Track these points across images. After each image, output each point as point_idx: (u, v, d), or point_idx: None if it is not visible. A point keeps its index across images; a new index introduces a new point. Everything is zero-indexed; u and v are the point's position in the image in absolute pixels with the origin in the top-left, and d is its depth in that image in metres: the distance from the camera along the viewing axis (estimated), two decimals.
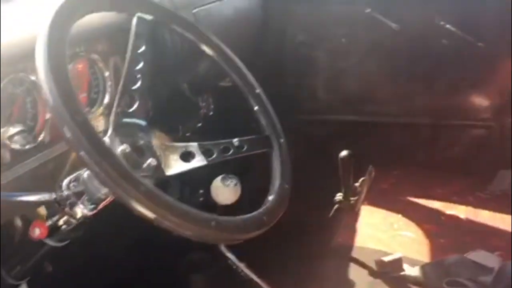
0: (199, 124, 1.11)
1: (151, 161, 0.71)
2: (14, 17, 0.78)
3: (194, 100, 1.12)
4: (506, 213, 1.19)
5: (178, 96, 1.05)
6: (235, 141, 0.79)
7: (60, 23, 0.61)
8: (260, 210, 0.68)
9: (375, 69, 1.55)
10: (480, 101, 1.51)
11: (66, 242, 0.83)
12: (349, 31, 1.52)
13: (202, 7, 1.15)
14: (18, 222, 0.81)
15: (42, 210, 0.76)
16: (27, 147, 0.72)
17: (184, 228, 0.57)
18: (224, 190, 0.85)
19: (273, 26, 1.55)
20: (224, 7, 1.27)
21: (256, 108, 0.83)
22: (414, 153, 1.57)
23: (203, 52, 0.87)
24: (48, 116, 0.75)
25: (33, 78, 0.72)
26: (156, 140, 0.79)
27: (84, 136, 0.54)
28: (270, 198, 0.71)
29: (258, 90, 0.85)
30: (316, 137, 1.68)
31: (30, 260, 0.85)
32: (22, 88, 0.72)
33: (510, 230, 1.13)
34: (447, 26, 1.42)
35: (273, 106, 0.86)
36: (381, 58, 1.53)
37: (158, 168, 0.73)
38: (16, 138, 0.69)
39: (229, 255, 1.08)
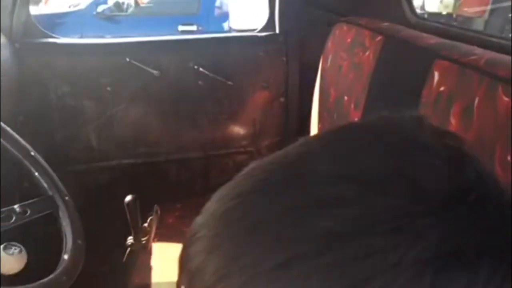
0: None
1: None
2: None
3: None
4: None
5: None
6: (16, 207, 0.77)
7: None
8: (58, 271, 0.68)
9: (143, 113, 1.64)
10: (238, 130, 1.74)
11: None
12: (113, 79, 1.58)
13: None
14: None
15: None
16: None
17: None
18: (9, 259, 0.81)
19: (33, 80, 1.50)
20: None
21: (34, 171, 0.82)
22: (192, 184, 1.72)
23: None
24: None
25: None
26: None
27: None
28: (66, 256, 0.72)
29: (32, 153, 0.84)
30: (96, 186, 1.67)
31: None
32: None
33: None
34: (201, 69, 1.61)
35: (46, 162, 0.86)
36: (147, 102, 1.63)
37: None
38: None
39: None
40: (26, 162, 0.82)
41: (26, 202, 0.77)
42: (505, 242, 0.27)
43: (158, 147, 1.67)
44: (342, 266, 0.25)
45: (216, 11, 5.40)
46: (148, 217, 1.18)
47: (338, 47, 1.33)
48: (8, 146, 0.81)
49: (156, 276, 1.21)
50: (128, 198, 1.10)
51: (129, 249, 1.14)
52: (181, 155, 1.72)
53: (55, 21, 4.74)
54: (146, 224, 1.15)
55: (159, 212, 1.19)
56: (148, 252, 1.25)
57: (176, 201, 1.51)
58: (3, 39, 1.42)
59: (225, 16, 5.26)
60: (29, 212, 0.77)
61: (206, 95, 1.66)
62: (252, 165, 0.33)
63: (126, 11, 5.16)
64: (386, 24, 1.19)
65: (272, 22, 1.68)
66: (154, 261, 1.27)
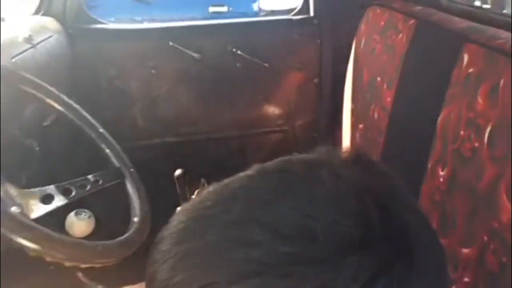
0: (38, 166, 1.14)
1: (14, 209, 0.77)
2: None
3: (28, 144, 1.14)
4: None
5: (12, 143, 1.07)
6: (90, 177, 0.88)
7: None
8: (130, 231, 0.79)
9: (185, 94, 1.75)
10: (273, 110, 1.83)
11: None
12: (157, 62, 1.69)
13: (19, 56, 1.18)
14: None
15: None
16: None
17: (75, 258, 0.66)
18: (80, 223, 0.93)
19: (84, 65, 1.62)
20: (38, 52, 1.31)
21: (103, 145, 0.94)
22: (230, 161, 1.82)
23: (29, 97, 0.93)
24: None
25: None
26: (11, 190, 0.83)
27: None
28: (136, 219, 0.83)
29: (101, 130, 0.95)
30: (141, 162, 1.79)
31: None
32: None
33: None
34: (239, 52, 1.70)
35: None
36: (188, 84, 1.73)
37: (22, 215, 0.79)
38: None
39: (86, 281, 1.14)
40: (96, 138, 0.93)
41: (98, 173, 0.88)
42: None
43: (198, 126, 1.78)
44: None
45: None
46: (195, 190, 1.29)
47: (372, 30, 1.39)
48: (81, 124, 0.92)
49: None
50: (178, 172, 1.21)
51: None
52: (220, 134, 1.82)
53: (90, 4, 4.87)
54: (193, 196, 1.26)
55: (206, 185, 1.30)
56: None
57: (216, 177, 1.61)
58: (57, 25, 1.54)
59: None
60: (101, 181, 0.88)
61: (243, 77, 1.75)
62: (207, 190, 0.40)
63: None
64: (418, 7, 1.25)
65: (306, 6, 1.75)
66: None
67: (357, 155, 0.41)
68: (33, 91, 0.91)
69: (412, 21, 1.18)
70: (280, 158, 0.42)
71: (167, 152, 1.75)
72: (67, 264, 0.67)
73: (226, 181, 0.40)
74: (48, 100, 0.92)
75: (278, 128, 1.83)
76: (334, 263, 0.33)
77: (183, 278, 0.35)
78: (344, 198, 0.36)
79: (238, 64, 1.71)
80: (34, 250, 0.63)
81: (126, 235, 0.78)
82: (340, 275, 0.33)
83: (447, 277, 0.40)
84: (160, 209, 1.35)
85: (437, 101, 0.97)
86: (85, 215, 0.93)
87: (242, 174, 0.41)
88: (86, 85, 1.64)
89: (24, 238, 0.62)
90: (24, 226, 0.64)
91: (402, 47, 1.19)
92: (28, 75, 0.91)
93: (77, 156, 1.13)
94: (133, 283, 1.23)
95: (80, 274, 1.13)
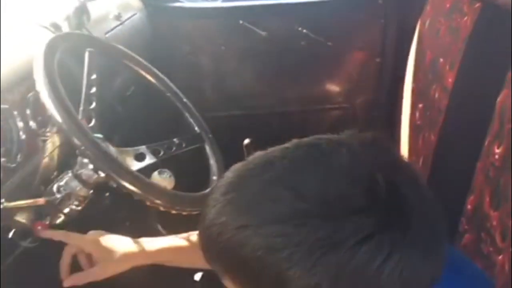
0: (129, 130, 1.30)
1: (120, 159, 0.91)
2: None
3: (118, 109, 1.30)
4: None
5: (106, 108, 1.22)
6: (175, 140, 1.02)
7: (49, 58, 0.78)
8: (211, 187, 0.92)
9: (251, 69, 1.85)
10: (335, 88, 1.91)
11: (36, 243, 0.97)
12: (226, 39, 1.80)
13: (111, 32, 1.33)
14: None
15: (20, 217, 0.91)
16: (12, 165, 0.86)
17: (169, 204, 0.79)
18: (163, 181, 1.07)
19: (161, 40, 1.76)
20: (125, 28, 1.45)
21: (186, 113, 1.06)
22: (291, 136, 1.92)
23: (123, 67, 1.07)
24: (23, 137, 0.89)
25: (5, 106, 0.86)
26: (110, 148, 0.98)
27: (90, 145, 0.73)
28: (214, 177, 0.96)
29: (184, 99, 1.08)
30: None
31: (5, 262, 0.97)
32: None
33: None
34: (304, 30, 1.77)
35: None
36: (255, 60, 1.84)
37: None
38: (3, 159, 0.83)
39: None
40: (181, 107, 1.06)
41: (182, 137, 1.01)
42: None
43: (262, 100, 1.89)
44: None
45: None
46: None
47: (437, 12, 1.43)
48: (170, 95, 1.05)
49: None
50: (246, 141, 1.32)
51: None
52: (282, 109, 1.92)
53: None
54: None
55: None
56: None
57: None
58: (139, 4, 1.69)
59: None
60: (184, 144, 1.01)
61: (307, 55, 1.82)
62: (254, 155, 0.54)
63: None
64: None
65: None
66: None
67: (375, 139, 0.51)
68: (129, 63, 1.04)
69: (477, 4, 1.21)
70: (315, 136, 0.54)
71: (232, 124, 1.87)
72: (162, 209, 0.80)
73: (269, 149, 0.53)
74: (141, 72, 1.05)
75: (338, 106, 1.90)
76: (340, 220, 0.44)
77: (225, 220, 0.48)
78: (357, 172, 0.48)
79: (302, 43, 1.79)
80: (138, 194, 0.76)
81: (207, 190, 0.90)
82: (343, 229, 0.44)
83: (442, 247, 0.50)
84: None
85: (497, 82, 1.02)
86: (167, 174, 1.07)
87: (282, 145, 0.53)
88: (162, 59, 1.77)
89: (131, 183, 0.76)
90: (131, 174, 0.77)
91: (466, 30, 1.23)
92: (124, 49, 1.05)
93: (163, 122, 1.27)
94: None
95: (159, 226, 1.28)
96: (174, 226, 1.48)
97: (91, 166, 0.87)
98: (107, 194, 1.30)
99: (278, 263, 0.45)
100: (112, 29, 1.33)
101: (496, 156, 0.99)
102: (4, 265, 0.99)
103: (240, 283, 0.51)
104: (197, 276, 1.56)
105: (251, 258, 0.46)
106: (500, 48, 1.07)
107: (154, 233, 1.46)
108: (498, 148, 0.99)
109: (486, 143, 1.04)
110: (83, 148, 0.73)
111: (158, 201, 0.78)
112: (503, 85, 1.00)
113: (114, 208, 1.37)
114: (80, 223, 0.98)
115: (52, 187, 0.88)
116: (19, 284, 1.06)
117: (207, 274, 1.53)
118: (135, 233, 1.56)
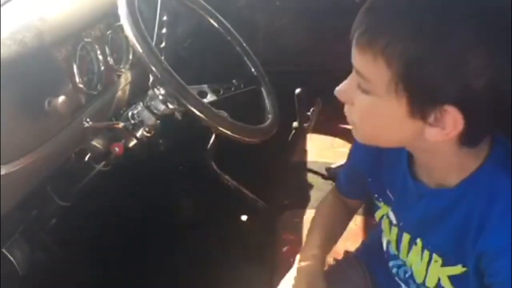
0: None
1: None
2: None
3: (182, 53, 1.40)
4: None
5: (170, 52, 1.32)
6: (234, 81, 1.10)
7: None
8: (267, 123, 1.01)
9: (304, 27, 1.90)
10: None
11: (109, 167, 1.10)
12: None
13: None
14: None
15: (96, 142, 1.03)
16: (94, 93, 0.98)
17: (234, 131, 0.89)
18: None
19: None
20: None
21: (245, 57, 1.14)
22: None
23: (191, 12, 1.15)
24: (102, 69, 1.00)
25: (89, 40, 0.97)
26: None
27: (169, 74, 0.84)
28: (270, 116, 1.04)
29: (244, 44, 1.16)
30: None
31: (79, 183, 1.11)
32: (83, 51, 0.97)
33: None
34: None
35: None
36: (308, 18, 1.88)
37: None
38: (86, 86, 0.95)
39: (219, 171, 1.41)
40: (240, 51, 1.14)
41: (240, 78, 1.09)
42: None
43: (315, 56, 1.94)
44: None
45: None
46: (310, 108, 1.48)
47: None
48: (230, 39, 1.13)
49: (311, 156, 1.54)
50: (298, 90, 1.40)
51: (294, 131, 1.46)
52: (332, 66, 1.97)
53: None
54: (309, 113, 1.45)
55: (320, 104, 1.48)
56: (305, 137, 1.57)
57: (328, 101, 1.79)
58: None
59: None
60: (242, 85, 1.09)
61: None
62: None
63: None
64: None
65: None
66: (309, 146, 1.59)
67: None
68: (195, 7, 1.13)
69: None
70: None
71: (284, 78, 1.94)
72: (228, 134, 0.89)
73: None
74: (206, 16, 1.14)
75: None
76: None
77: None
78: None
79: (357, 0, 1.82)
80: (205, 121, 0.86)
81: (264, 124, 0.99)
82: None
83: None
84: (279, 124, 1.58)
85: None
86: (223, 114, 1.16)
87: None
88: (219, 12, 1.86)
89: (200, 111, 0.86)
90: (200, 103, 0.87)
91: None
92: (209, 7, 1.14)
93: (224, 64, 1.36)
94: None
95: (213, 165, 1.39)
96: (229, 168, 1.59)
97: (160, 98, 0.98)
98: (161, 140, 1.42)
99: None
100: None
101: None
102: (79, 186, 1.12)
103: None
104: (244, 217, 1.68)
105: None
106: None
107: (207, 175, 1.58)
108: None
109: None
110: (159, 76, 0.83)
111: (221, 128, 0.88)
112: None
113: (169, 153, 1.49)
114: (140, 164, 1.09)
115: (127, 114, 0.99)
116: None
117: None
118: (189, 176, 1.69)
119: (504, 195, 0.60)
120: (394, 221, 0.78)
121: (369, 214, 1.20)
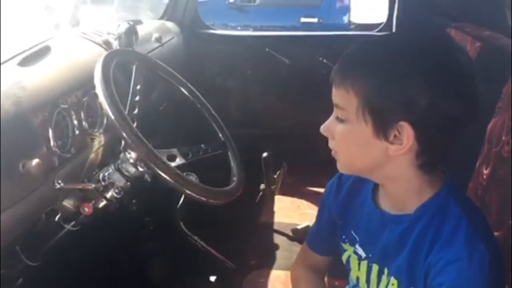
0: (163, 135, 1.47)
1: None
2: None
3: (158, 117, 1.47)
4: None
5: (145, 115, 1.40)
6: (203, 145, 1.17)
7: (106, 68, 0.96)
8: (231, 185, 1.07)
9: (274, 93, 2.02)
10: None
11: (78, 227, 1.13)
12: (253, 64, 1.98)
13: (152, 51, 1.52)
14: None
15: (67, 202, 1.08)
16: (68, 155, 1.03)
17: (199, 194, 0.95)
18: None
19: (194, 62, 1.95)
20: (164, 49, 1.65)
21: (213, 123, 1.22)
22: (307, 155, 2.06)
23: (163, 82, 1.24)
24: (76, 133, 1.06)
25: (65, 106, 1.04)
26: None
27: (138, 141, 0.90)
28: (234, 178, 1.11)
29: (212, 112, 1.24)
30: None
31: (48, 243, 1.13)
32: (59, 117, 1.03)
33: None
34: (325, 60, 1.94)
35: None
36: (278, 85, 2.01)
37: None
38: (60, 150, 1.00)
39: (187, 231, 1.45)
40: (209, 117, 1.22)
41: (209, 143, 1.17)
42: None
43: (283, 121, 2.04)
44: None
45: (338, 4, 5.64)
46: (277, 171, 1.55)
47: None
48: (200, 106, 1.22)
49: (278, 217, 1.59)
50: (265, 154, 1.48)
51: (261, 193, 1.53)
52: (301, 131, 2.07)
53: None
54: (276, 176, 1.53)
55: (285, 167, 1.56)
56: (272, 199, 1.63)
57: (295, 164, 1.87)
58: (177, 29, 1.89)
59: (346, 9, 5.50)
60: (210, 149, 1.17)
61: (327, 83, 1.97)
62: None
63: (254, 1, 5.62)
64: (487, 32, 1.42)
65: (390, 24, 1.95)
66: (276, 208, 1.65)
67: None
68: (167, 77, 1.22)
69: (478, 44, 1.36)
70: None
71: (253, 141, 2.03)
72: (194, 196, 0.95)
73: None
74: (177, 85, 1.23)
75: None
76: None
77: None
78: None
79: (323, 71, 1.95)
80: (173, 184, 0.92)
81: (228, 187, 1.06)
82: None
83: None
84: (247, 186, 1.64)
85: (489, 112, 1.15)
86: (192, 176, 1.22)
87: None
88: (194, 78, 1.96)
89: (168, 176, 0.92)
90: (169, 168, 0.94)
91: None
92: (164, 65, 1.23)
93: (194, 129, 1.45)
94: None
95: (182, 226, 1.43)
96: (197, 228, 1.64)
97: (131, 161, 1.04)
98: (134, 201, 1.46)
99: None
100: (154, 49, 1.52)
101: (484, 177, 1.12)
102: (48, 246, 1.15)
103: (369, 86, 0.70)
104: (212, 278, 1.70)
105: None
106: (493, 84, 1.20)
107: (176, 235, 1.61)
108: (486, 169, 1.12)
109: (477, 165, 1.17)
110: (130, 142, 0.89)
111: (186, 190, 0.94)
112: (494, 114, 1.14)
113: (140, 213, 1.53)
114: (109, 224, 1.14)
115: (98, 176, 1.04)
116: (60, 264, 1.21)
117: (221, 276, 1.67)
118: (159, 235, 1.72)
119: (454, 219, 0.74)
120: (363, 255, 0.86)
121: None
